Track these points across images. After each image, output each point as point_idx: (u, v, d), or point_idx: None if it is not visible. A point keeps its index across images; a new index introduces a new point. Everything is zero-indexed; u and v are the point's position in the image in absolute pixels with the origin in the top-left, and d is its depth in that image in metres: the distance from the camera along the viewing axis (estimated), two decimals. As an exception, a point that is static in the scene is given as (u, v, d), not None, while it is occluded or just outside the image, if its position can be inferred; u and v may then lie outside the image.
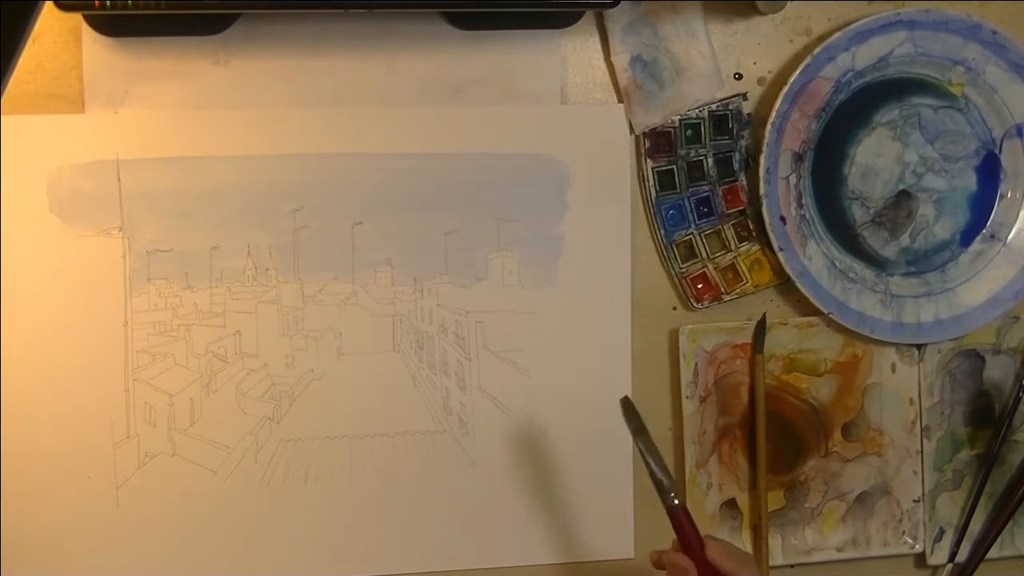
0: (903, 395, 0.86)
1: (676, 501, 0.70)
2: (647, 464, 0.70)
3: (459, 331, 0.81)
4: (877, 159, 0.84)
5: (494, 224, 0.80)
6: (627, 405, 0.72)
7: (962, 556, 0.88)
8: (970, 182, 0.86)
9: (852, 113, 0.83)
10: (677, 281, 0.83)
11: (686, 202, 0.83)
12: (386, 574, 0.80)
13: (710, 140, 0.83)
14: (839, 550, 0.86)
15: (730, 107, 0.83)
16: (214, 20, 0.76)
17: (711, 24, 0.82)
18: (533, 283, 0.81)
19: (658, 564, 0.72)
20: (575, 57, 0.81)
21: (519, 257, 0.80)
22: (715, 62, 0.82)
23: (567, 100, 0.81)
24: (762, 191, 0.81)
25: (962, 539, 0.88)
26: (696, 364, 0.83)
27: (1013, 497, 0.87)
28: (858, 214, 0.84)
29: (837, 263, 0.84)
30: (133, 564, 0.77)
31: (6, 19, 0.52)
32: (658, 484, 0.70)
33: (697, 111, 0.82)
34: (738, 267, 0.84)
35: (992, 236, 0.87)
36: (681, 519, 0.70)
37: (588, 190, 0.81)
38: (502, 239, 0.80)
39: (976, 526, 0.88)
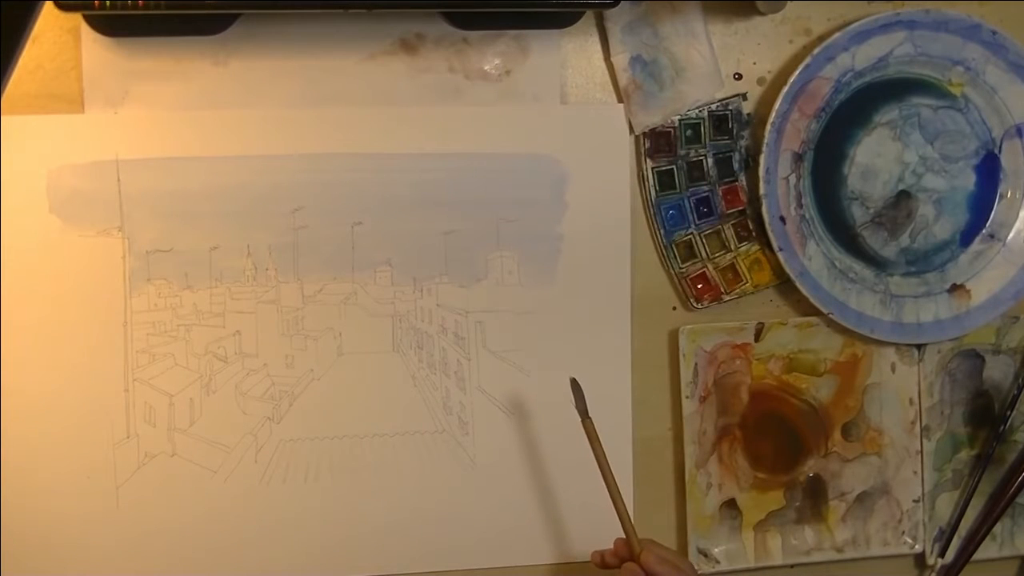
0: (903, 395, 0.86)
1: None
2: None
3: (459, 331, 0.81)
4: (877, 159, 0.84)
5: (494, 224, 0.80)
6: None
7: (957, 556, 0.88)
8: (970, 182, 0.86)
9: (852, 113, 0.83)
10: (677, 281, 0.83)
11: (686, 202, 0.83)
12: (386, 574, 0.80)
13: (710, 140, 0.82)
14: (839, 550, 0.86)
15: (730, 107, 0.83)
16: (214, 20, 0.76)
17: (711, 24, 0.82)
18: (532, 283, 0.81)
19: (602, 564, 0.73)
20: (575, 57, 0.81)
21: (519, 257, 0.80)
22: (715, 62, 0.82)
23: (567, 100, 0.81)
24: (762, 191, 0.81)
25: (952, 538, 0.88)
26: (696, 364, 0.83)
27: (1004, 496, 0.87)
28: (858, 214, 0.84)
29: (837, 263, 0.84)
30: (133, 564, 0.77)
31: (6, 19, 0.52)
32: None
33: (697, 111, 0.82)
34: (738, 267, 0.84)
35: (992, 236, 0.87)
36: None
37: (588, 190, 0.81)
38: (502, 239, 0.80)
39: (976, 526, 0.88)
